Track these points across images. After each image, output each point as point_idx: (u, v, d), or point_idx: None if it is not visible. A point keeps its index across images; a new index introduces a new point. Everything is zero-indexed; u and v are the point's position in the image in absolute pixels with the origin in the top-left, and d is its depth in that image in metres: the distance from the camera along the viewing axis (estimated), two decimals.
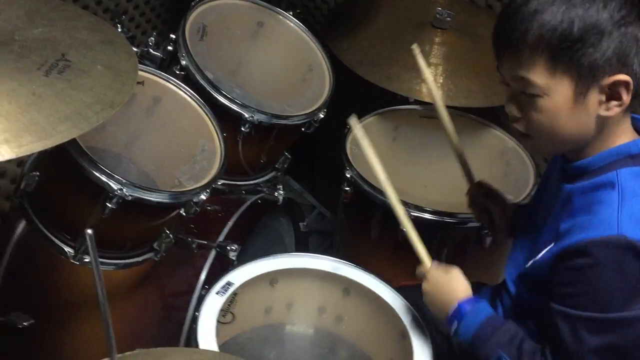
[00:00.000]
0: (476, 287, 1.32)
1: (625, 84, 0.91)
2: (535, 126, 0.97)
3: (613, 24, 0.89)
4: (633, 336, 0.91)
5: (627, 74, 0.91)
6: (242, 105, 1.45)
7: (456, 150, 1.33)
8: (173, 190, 1.26)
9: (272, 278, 1.25)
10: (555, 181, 1.08)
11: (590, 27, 0.89)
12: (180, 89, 1.40)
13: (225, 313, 1.17)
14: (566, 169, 1.01)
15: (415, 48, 1.33)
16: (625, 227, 0.88)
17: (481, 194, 1.32)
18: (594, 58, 0.90)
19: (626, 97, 0.92)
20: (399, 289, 1.24)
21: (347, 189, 1.55)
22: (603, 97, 0.93)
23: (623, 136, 0.97)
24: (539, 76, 0.93)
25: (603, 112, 0.94)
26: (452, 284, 1.10)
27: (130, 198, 1.16)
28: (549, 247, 0.98)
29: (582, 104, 0.93)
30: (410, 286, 1.33)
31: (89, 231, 0.65)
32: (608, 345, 0.91)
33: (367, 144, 1.18)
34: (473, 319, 1.06)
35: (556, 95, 0.93)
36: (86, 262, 1.25)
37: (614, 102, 0.93)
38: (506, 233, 1.29)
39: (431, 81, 1.36)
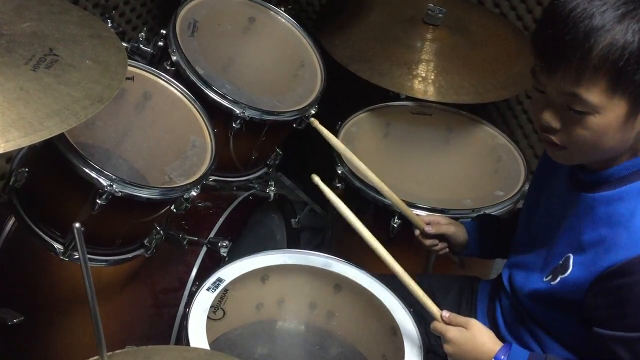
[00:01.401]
0: (472, 282, 1.33)
1: None
2: (576, 141, 0.93)
3: None
4: None
5: None
6: (233, 101, 1.44)
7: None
8: (163, 186, 1.25)
9: (263, 274, 1.25)
10: (562, 189, 1.05)
11: None
12: (171, 85, 1.39)
13: (216, 309, 1.17)
14: (583, 177, 0.99)
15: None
16: None
17: (430, 236, 1.32)
18: None
19: None
20: (386, 276, 1.23)
21: (339, 185, 1.55)
22: None
23: None
24: (595, 95, 0.88)
25: None
26: (476, 340, 1.04)
27: (120, 194, 1.15)
28: (572, 260, 0.97)
29: (632, 122, 0.91)
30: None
31: (77, 224, 0.65)
32: None
33: (336, 198, 1.20)
34: None
35: (609, 115, 0.89)
36: (76, 258, 1.24)
37: None
38: (464, 254, 1.33)
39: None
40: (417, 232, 1.34)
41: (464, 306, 1.28)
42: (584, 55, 0.86)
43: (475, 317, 1.21)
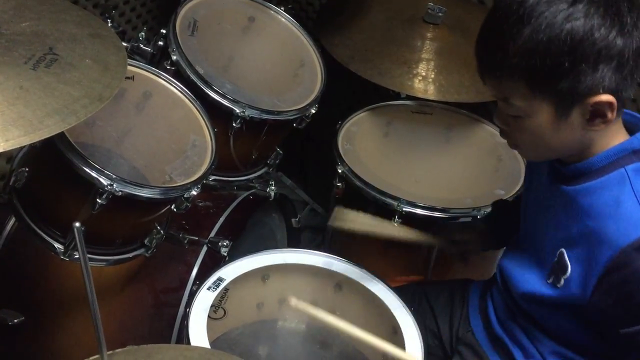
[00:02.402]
0: (464, 284, 1.33)
1: (609, 104, 0.90)
2: (521, 142, 0.98)
3: (593, 46, 0.87)
4: None
5: (610, 93, 0.89)
6: (233, 101, 1.44)
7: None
8: (164, 185, 1.25)
9: (264, 274, 1.25)
10: (545, 183, 1.06)
11: (572, 55, 0.87)
12: (171, 84, 1.39)
13: (217, 309, 1.17)
14: (563, 171, 1.00)
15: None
16: None
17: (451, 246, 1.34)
18: (573, 84, 0.89)
19: (611, 115, 0.91)
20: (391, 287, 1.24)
21: (339, 184, 1.55)
22: (587, 116, 0.92)
23: (621, 133, 0.96)
24: (519, 100, 0.92)
25: (588, 129, 0.93)
26: None
27: (120, 194, 1.15)
28: (567, 256, 0.97)
29: (565, 123, 0.92)
30: (402, 286, 1.33)
31: (77, 224, 0.65)
32: None
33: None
34: None
35: (538, 117, 0.93)
36: (76, 258, 1.24)
37: (599, 120, 0.92)
38: (484, 249, 1.34)
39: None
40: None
41: (457, 304, 1.27)
42: (500, 62, 0.91)
43: (467, 314, 1.22)
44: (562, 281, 0.98)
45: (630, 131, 0.98)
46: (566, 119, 0.92)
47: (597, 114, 0.91)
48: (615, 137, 0.96)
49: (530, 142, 0.97)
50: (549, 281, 1.01)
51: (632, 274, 0.89)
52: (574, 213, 0.96)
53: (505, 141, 1.68)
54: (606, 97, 0.89)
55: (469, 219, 1.48)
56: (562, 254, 0.98)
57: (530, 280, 1.05)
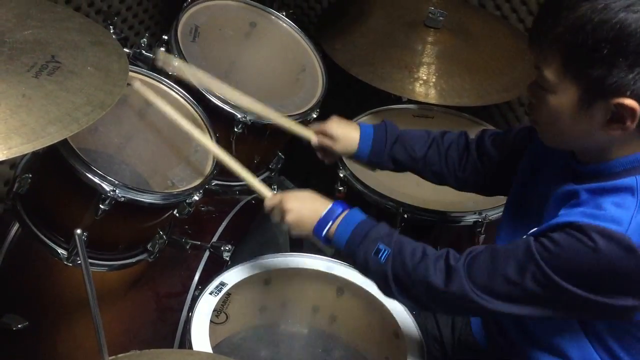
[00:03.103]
0: None
1: (631, 110, 0.89)
2: (539, 117, 0.98)
3: (638, 44, 0.85)
4: (570, 305, 0.92)
5: (637, 100, 0.88)
6: (235, 106, 1.45)
7: None
8: (166, 191, 1.26)
9: (266, 278, 1.26)
10: (552, 180, 1.06)
11: (614, 45, 0.86)
12: (173, 90, 1.40)
13: (219, 313, 1.18)
14: (580, 169, 0.99)
15: None
16: (632, 230, 0.88)
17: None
18: (604, 75, 0.87)
19: (630, 123, 0.90)
20: None
21: (341, 188, 1.55)
22: (608, 116, 0.90)
23: (636, 143, 0.94)
24: (551, 73, 0.92)
25: (605, 130, 0.92)
26: (313, 197, 1.10)
27: (123, 199, 1.16)
28: None
29: (584, 114, 0.91)
30: None
31: (78, 231, 0.65)
32: (545, 298, 0.92)
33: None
34: (350, 218, 1.05)
35: (562, 97, 0.92)
36: (79, 263, 1.24)
37: (618, 124, 0.91)
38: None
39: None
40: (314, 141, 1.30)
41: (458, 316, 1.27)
42: (546, 31, 0.91)
43: (469, 319, 1.23)
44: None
45: None
46: (587, 110, 0.91)
47: (618, 118, 0.90)
48: (633, 145, 0.94)
49: (547, 120, 0.96)
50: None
51: (593, 249, 0.88)
52: (570, 204, 0.96)
53: None
54: (630, 102, 0.88)
55: (471, 222, 1.49)
56: None
57: None
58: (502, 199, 1.54)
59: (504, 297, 0.94)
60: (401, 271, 1.00)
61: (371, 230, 1.04)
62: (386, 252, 1.01)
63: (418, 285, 0.99)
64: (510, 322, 1.11)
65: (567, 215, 0.92)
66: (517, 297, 0.93)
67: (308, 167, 2.20)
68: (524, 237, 0.95)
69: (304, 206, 1.10)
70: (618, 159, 0.94)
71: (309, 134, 1.31)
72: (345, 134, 1.26)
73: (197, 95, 1.42)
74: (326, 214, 1.07)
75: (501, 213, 1.50)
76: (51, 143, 0.84)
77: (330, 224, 1.06)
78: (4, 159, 0.80)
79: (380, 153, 1.25)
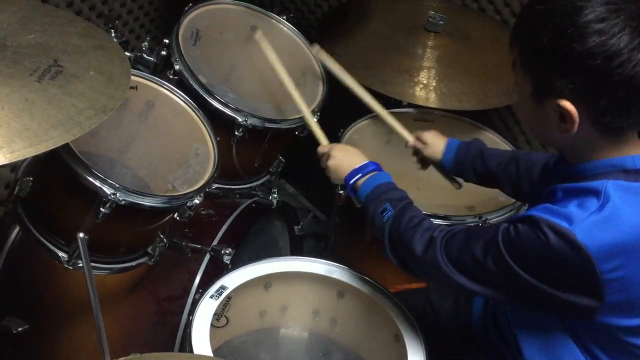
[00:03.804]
0: None
1: (569, 113, 0.92)
2: (518, 111, 1.05)
3: (572, 50, 0.88)
4: (530, 291, 0.95)
5: (574, 103, 0.91)
6: (236, 110, 1.45)
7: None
8: (167, 194, 1.26)
9: (266, 282, 1.26)
10: (550, 181, 1.08)
11: (554, 50, 0.90)
12: (174, 94, 1.40)
13: (220, 317, 1.17)
14: (562, 169, 1.03)
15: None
16: (581, 229, 0.90)
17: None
18: (546, 76, 0.92)
19: (570, 125, 0.93)
20: (393, 294, 1.24)
21: (341, 192, 1.55)
22: (557, 115, 0.94)
23: (623, 149, 0.96)
24: (515, 68, 0.98)
25: (562, 132, 0.94)
26: (357, 153, 1.24)
27: (124, 203, 1.16)
28: None
29: (540, 110, 0.96)
30: (404, 291, 1.34)
31: (81, 234, 0.65)
32: (502, 280, 0.97)
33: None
34: (377, 177, 1.18)
35: (523, 92, 0.98)
36: (80, 267, 1.25)
37: (564, 125, 0.94)
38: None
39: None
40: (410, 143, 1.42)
41: (462, 311, 1.28)
42: (513, 29, 0.98)
43: (471, 321, 1.26)
44: None
45: None
46: (539, 106, 0.96)
47: (564, 118, 0.93)
48: (615, 152, 0.96)
49: (520, 114, 1.06)
50: None
51: (543, 242, 0.92)
52: (547, 201, 0.98)
53: (506, 149, 1.71)
54: (566, 104, 0.91)
55: (471, 225, 1.49)
56: None
57: None
58: (502, 203, 1.55)
59: (469, 274, 1.00)
60: (395, 232, 1.11)
61: (387, 192, 1.16)
62: (389, 212, 1.12)
63: (403, 247, 1.09)
64: (504, 322, 1.12)
65: (535, 209, 0.96)
66: (480, 275, 0.99)
67: (308, 170, 2.20)
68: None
69: (346, 157, 1.24)
70: (593, 162, 0.97)
71: (408, 136, 1.43)
72: (434, 141, 1.39)
73: (198, 99, 1.43)
74: (359, 167, 1.21)
75: (501, 217, 1.51)
76: (54, 147, 0.84)
77: (359, 176, 1.19)
78: (7, 162, 0.80)
79: (463, 163, 1.35)
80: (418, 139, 1.41)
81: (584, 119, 0.92)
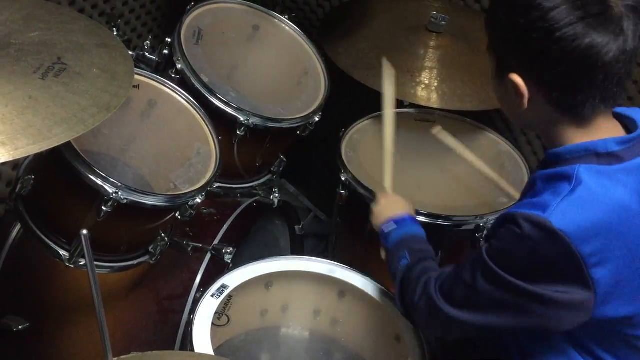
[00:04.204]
0: None
1: (517, 86, 0.96)
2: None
3: (515, 25, 0.93)
4: (524, 305, 0.94)
5: (521, 77, 0.94)
6: (238, 109, 1.45)
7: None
8: (168, 193, 1.26)
9: (267, 281, 1.26)
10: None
11: (510, 26, 0.94)
12: (176, 93, 1.40)
13: (221, 316, 1.18)
14: (545, 156, 1.04)
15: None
16: (555, 215, 0.90)
17: None
18: (500, 49, 0.98)
19: (520, 100, 0.97)
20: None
21: (342, 192, 1.55)
22: (514, 91, 0.97)
23: (590, 135, 0.97)
24: (488, 49, 1.02)
25: (518, 106, 0.98)
26: (403, 205, 1.26)
27: (125, 201, 1.16)
28: None
29: (502, 87, 0.99)
30: None
31: (84, 231, 0.65)
32: (497, 298, 0.95)
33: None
34: (410, 228, 1.20)
35: (491, 67, 1.02)
36: (81, 265, 1.25)
37: (520, 100, 0.97)
38: None
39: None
40: None
41: None
42: (487, 15, 1.02)
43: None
44: None
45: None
46: (500, 83, 1.00)
47: (517, 93, 0.97)
48: (586, 135, 0.97)
49: (494, 93, 1.05)
50: None
51: (519, 235, 0.92)
52: (530, 194, 0.99)
53: (508, 149, 1.71)
54: (515, 77, 0.95)
55: (472, 227, 1.49)
56: None
57: None
58: (503, 204, 1.55)
59: (465, 305, 0.99)
60: (406, 280, 1.09)
61: (411, 242, 1.17)
62: (406, 260, 1.13)
63: (405, 297, 1.08)
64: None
65: (514, 206, 0.98)
66: (475, 301, 0.98)
67: (310, 170, 2.20)
68: None
69: (389, 206, 1.27)
70: (566, 146, 0.98)
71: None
72: None
73: (200, 98, 1.43)
74: (397, 218, 1.22)
75: None
76: (58, 144, 0.84)
77: (394, 225, 1.21)
78: (10, 159, 0.80)
79: None
80: None
81: (535, 94, 0.95)
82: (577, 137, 0.97)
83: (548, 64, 0.92)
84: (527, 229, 0.90)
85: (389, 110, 1.37)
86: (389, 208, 1.26)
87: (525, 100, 0.96)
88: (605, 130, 0.97)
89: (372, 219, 1.27)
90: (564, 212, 0.90)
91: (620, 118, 1.01)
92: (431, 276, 1.05)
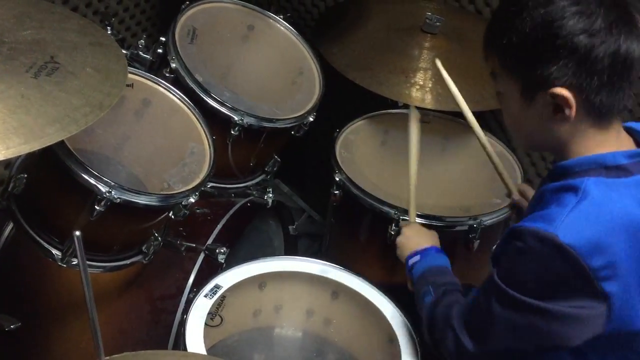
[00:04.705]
0: (466, 289, 1.33)
1: (566, 99, 0.93)
2: (506, 123, 1.04)
3: (556, 37, 0.91)
4: (539, 324, 0.93)
5: (569, 89, 0.92)
6: (232, 109, 1.45)
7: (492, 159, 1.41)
8: (162, 193, 1.26)
9: (260, 281, 1.26)
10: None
11: (545, 39, 0.91)
12: (170, 92, 1.40)
13: (214, 316, 1.17)
14: (552, 169, 1.03)
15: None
16: (562, 229, 0.89)
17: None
18: (532, 68, 0.93)
19: (569, 112, 0.94)
20: (384, 284, 1.26)
21: (336, 192, 1.55)
22: (550, 107, 0.95)
23: (604, 146, 0.97)
24: (498, 76, 0.99)
25: (552, 122, 0.95)
26: (428, 236, 1.26)
27: (118, 201, 1.16)
28: None
29: (531, 107, 0.96)
30: (399, 286, 1.33)
31: (77, 233, 0.65)
32: (513, 322, 0.94)
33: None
34: (433, 259, 1.19)
35: (509, 95, 0.98)
36: (74, 264, 1.24)
37: (560, 114, 0.94)
38: None
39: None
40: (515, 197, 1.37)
41: None
42: (486, 37, 0.99)
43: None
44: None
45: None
46: (530, 104, 0.96)
47: (558, 108, 0.94)
48: (599, 147, 0.97)
49: (509, 122, 1.02)
50: None
51: (525, 251, 0.92)
52: (538, 207, 0.98)
53: (502, 150, 1.72)
54: (562, 91, 0.92)
55: (466, 228, 1.49)
56: None
57: None
58: (497, 205, 1.56)
59: (485, 335, 0.98)
60: (431, 316, 1.09)
61: (435, 275, 1.16)
62: (430, 296, 1.12)
63: (433, 333, 1.08)
64: None
65: (522, 221, 0.96)
66: (491, 328, 0.97)
67: (304, 170, 2.20)
68: None
69: (413, 237, 1.27)
70: (577, 158, 0.97)
71: (512, 187, 1.37)
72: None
73: (194, 97, 1.43)
74: (421, 249, 1.22)
75: (495, 218, 1.51)
76: (50, 143, 0.84)
77: (418, 257, 1.21)
78: (2, 158, 0.80)
79: None
80: (521, 193, 1.35)
81: (577, 103, 0.93)
82: (595, 147, 0.96)
83: (595, 68, 0.91)
84: (533, 244, 0.90)
85: (414, 150, 1.39)
86: (412, 239, 1.26)
87: (573, 112, 0.93)
88: (618, 141, 0.98)
89: (397, 251, 1.27)
90: (570, 226, 0.89)
91: (630, 132, 1.01)
92: (454, 312, 1.04)
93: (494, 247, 1.08)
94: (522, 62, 0.94)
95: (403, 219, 1.42)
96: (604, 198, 0.91)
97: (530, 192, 1.34)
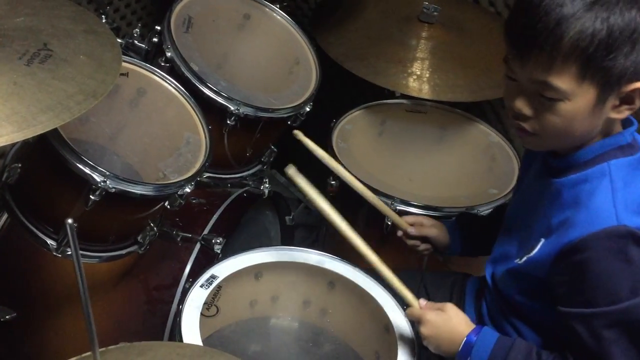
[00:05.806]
0: (462, 278, 1.33)
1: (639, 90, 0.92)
2: (547, 127, 0.95)
3: (634, 31, 0.88)
4: None
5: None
6: (228, 98, 1.44)
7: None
8: (157, 182, 1.25)
9: (257, 271, 1.25)
10: (536, 176, 1.08)
11: (626, 36, 0.88)
12: (165, 81, 1.39)
13: (210, 306, 1.17)
14: (553, 163, 1.02)
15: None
16: (623, 216, 0.89)
17: (413, 237, 1.33)
18: (624, 67, 0.89)
19: (638, 102, 0.93)
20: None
21: (333, 182, 1.55)
22: (617, 102, 0.93)
23: (611, 128, 0.98)
24: (565, 82, 0.90)
25: (614, 115, 0.94)
26: (452, 322, 1.07)
27: (114, 190, 1.15)
28: (541, 243, 0.99)
29: (600, 108, 0.93)
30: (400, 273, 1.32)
31: (69, 220, 0.65)
32: (627, 333, 0.91)
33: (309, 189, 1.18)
34: (483, 348, 1.04)
35: (579, 101, 0.92)
36: (69, 254, 1.24)
37: (626, 106, 0.93)
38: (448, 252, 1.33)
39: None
40: (399, 233, 1.34)
41: (455, 301, 1.28)
42: (555, 43, 0.88)
43: (464, 312, 1.22)
44: (525, 258, 1.02)
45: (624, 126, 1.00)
46: (603, 104, 0.92)
47: (626, 101, 0.93)
48: (607, 130, 0.97)
49: (558, 127, 0.94)
50: (515, 261, 1.05)
51: (587, 260, 0.90)
52: (558, 205, 0.98)
53: (499, 141, 1.71)
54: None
55: (450, 220, 1.49)
56: (538, 242, 1.00)
57: (506, 266, 1.09)
58: (494, 195, 1.56)
59: None
60: None
61: (507, 357, 1.01)
62: None
63: None
64: (506, 321, 1.12)
65: (556, 236, 0.93)
66: (627, 344, 0.92)
67: (300, 161, 2.19)
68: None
69: (441, 323, 1.08)
70: (590, 146, 0.97)
71: (403, 224, 1.33)
72: (436, 235, 1.32)
73: (189, 86, 1.42)
74: (466, 342, 1.05)
75: (491, 208, 1.51)
76: (43, 131, 0.83)
77: (471, 345, 1.05)
78: None
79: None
80: (416, 225, 1.31)
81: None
82: (596, 136, 0.97)
83: None
84: (607, 246, 0.88)
85: (335, 216, 1.19)
86: (443, 327, 1.07)
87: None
88: (614, 122, 0.98)
89: (431, 346, 1.09)
90: (625, 211, 0.89)
91: None
92: None
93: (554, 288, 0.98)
94: (609, 66, 0.89)
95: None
96: (626, 174, 0.93)
97: (423, 220, 1.31)
